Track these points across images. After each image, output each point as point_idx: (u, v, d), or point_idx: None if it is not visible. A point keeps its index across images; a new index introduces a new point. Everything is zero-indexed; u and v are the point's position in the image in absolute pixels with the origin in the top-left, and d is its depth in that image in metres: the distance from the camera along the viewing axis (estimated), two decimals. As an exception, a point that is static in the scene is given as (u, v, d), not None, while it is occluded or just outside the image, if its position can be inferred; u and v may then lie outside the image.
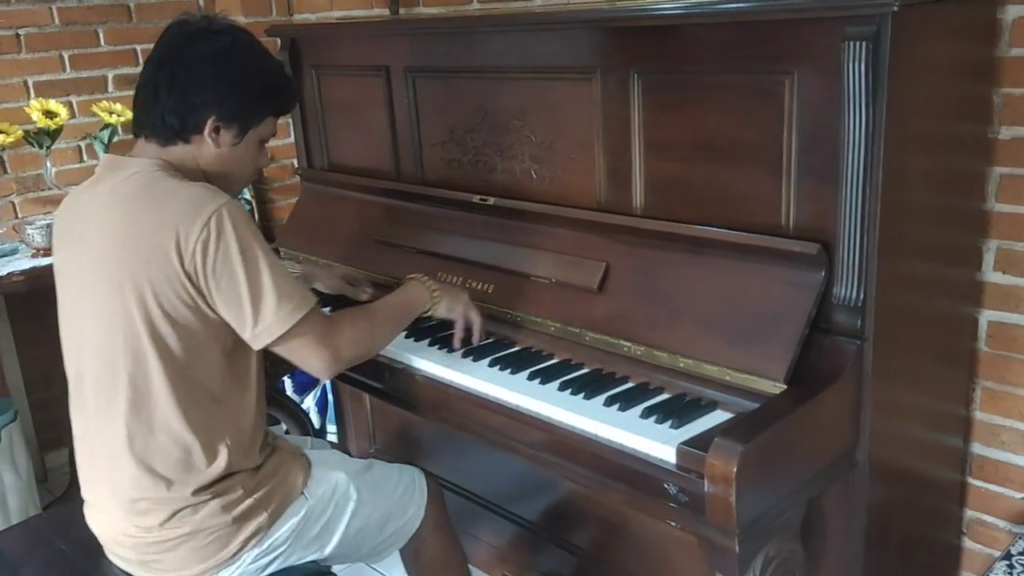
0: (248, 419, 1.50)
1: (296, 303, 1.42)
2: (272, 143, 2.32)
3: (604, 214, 1.74)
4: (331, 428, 2.88)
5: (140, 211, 1.39)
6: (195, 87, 1.42)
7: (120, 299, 1.39)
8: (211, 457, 1.44)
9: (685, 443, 1.34)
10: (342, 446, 2.48)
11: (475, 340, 1.75)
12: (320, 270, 2.08)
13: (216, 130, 1.45)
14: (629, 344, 1.61)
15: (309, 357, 1.45)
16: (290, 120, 2.82)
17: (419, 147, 2.15)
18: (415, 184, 2.17)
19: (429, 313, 1.70)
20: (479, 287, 1.89)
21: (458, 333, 1.74)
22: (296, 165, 2.68)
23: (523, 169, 1.91)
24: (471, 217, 1.99)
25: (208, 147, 1.46)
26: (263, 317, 1.39)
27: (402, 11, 2.59)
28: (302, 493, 1.55)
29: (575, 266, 1.74)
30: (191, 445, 1.43)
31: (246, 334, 1.41)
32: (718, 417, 1.45)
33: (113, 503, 1.47)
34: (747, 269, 1.50)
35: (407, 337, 1.85)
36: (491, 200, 1.93)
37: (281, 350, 1.45)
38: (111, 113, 2.83)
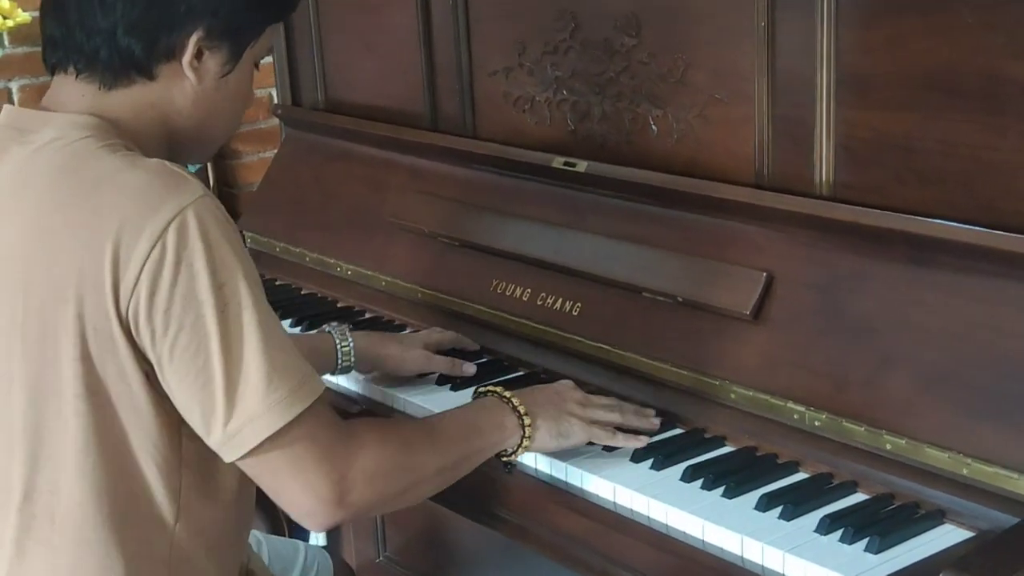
0: (217, 545, 1.46)
1: (295, 385, 1.33)
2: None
3: (767, 194, 1.74)
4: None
5: (55, 211, 1.34)
6: None
7: (20, 353, 1.36)
8: None
9: (891, 579, 1.34)
10: (336, 554, 2.50)
11: (644, 432, 1.67)
12: (365, 335, 1.91)
13: (199, 53, 1.41)
14: (801, 409, 1.61)
15: (297, 486, 1.35)
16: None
17: (468, 77, 2.17)
18: (461, 136, 2.19)
19: (517, 456, 1.60)
20: (558, 306, 1.90)
21: (615, 442, 1.64)
22: (275, 101, 2.71)
23: (635, 116, 1.92)
24: (550, 192, 2.00)
25: (184, 84, 1.43)
26: (244, 405, 1.31)
27: None
28: None
29: (717, 277, 1.74)
30: None
31: (213, 435, 1.33)
32: (947, 536, 1.45)
33: None
34: (1006, 293, 1.48)
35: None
36: (582, 165, 1.95)
37: (256, 468, 1.36)
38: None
